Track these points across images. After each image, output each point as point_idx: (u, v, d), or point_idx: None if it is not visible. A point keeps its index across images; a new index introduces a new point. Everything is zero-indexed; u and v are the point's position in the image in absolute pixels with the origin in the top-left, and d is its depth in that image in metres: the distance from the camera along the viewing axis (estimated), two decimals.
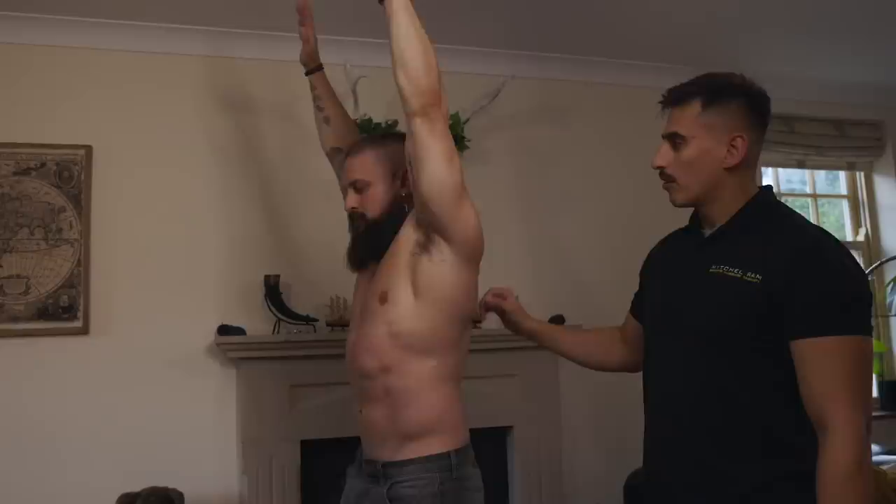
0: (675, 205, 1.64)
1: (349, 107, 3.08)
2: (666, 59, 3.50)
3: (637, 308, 1.87)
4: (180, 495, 2.65)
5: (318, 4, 2.83)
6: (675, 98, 1.63)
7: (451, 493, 1.67)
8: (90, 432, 2.78)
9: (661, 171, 1.63)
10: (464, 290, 1.74)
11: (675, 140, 1.60)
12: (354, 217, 1.85)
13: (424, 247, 1.71)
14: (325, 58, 3.13)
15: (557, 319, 3.26)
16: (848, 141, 3.96)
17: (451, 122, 3.13)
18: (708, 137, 1.56)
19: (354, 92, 2.99)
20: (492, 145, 3.33)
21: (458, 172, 1.65)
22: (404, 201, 1.80)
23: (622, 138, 3.53)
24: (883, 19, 3.16)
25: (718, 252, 1.55)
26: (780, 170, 4.09)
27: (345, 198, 1.98)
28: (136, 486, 2.65)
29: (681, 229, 1.75)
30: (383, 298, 1.75)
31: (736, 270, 1.48)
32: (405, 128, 1.68)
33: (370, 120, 3.03)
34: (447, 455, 1.68)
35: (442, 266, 1.69)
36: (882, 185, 4.15)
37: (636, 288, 1.90)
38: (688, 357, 1.54)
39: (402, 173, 1.80)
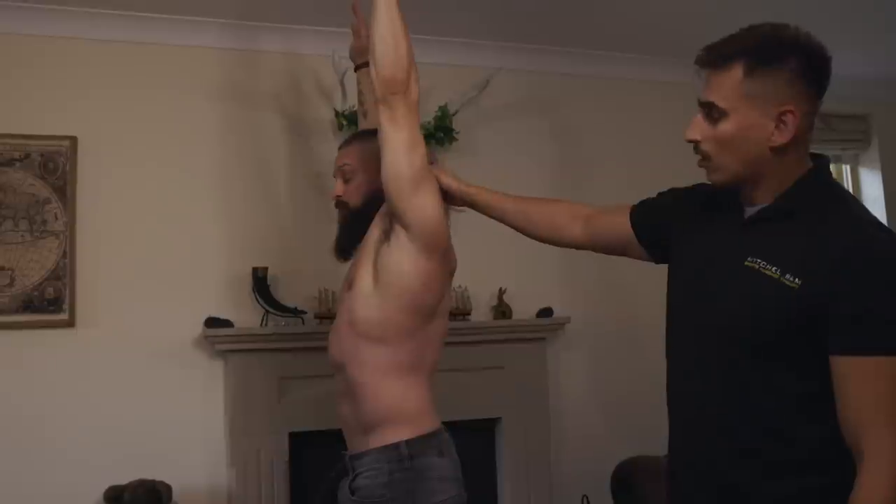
0: (714, 186, 1.42)
1: (336, 98, 3.09)
2: (654, 51, 3.50)
3: (638, 216, 1.66)
4: (168, 488, 2.65)
5: None
6: (712, 59, 1.37)
7: (402, 483, 1.67)
8: (77, 425, 2.77)
9: (695, 146, 1.40)
10: (421, 280, 1.72)
11: (711, 111, 1.36)
12: (338, 204, 1.92)
13: (387, 234, 1.74)
14: (312, 49, 3.14)
15: (546, 312, 3.27)
16: (834, 134, 3.98)
17: (438, 113, 3.16)
18: (751, 111, 1.32)
19: (342, 83, 2.98)
20: (480, 137, 3.33)
21: (419, 160, 1.68)
22: (383, 196, 1.83)
23: (610, 130, 3.53)
24: (869, 13, 3.18)
25: (757, 241, 1.35)
26: None
27: None
28: (124, 479, 2.64)
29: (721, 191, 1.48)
30: (349, 286, 1.81)
31: (774, 269, 1.30)
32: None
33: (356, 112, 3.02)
34: (398, 445, 1.69)
35: (399, 253, 1.71)
36: (867, 178, 4.18)
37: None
38: (710, 354, 1.38)
39: None
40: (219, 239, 2.99)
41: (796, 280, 1.27)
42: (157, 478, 2.67)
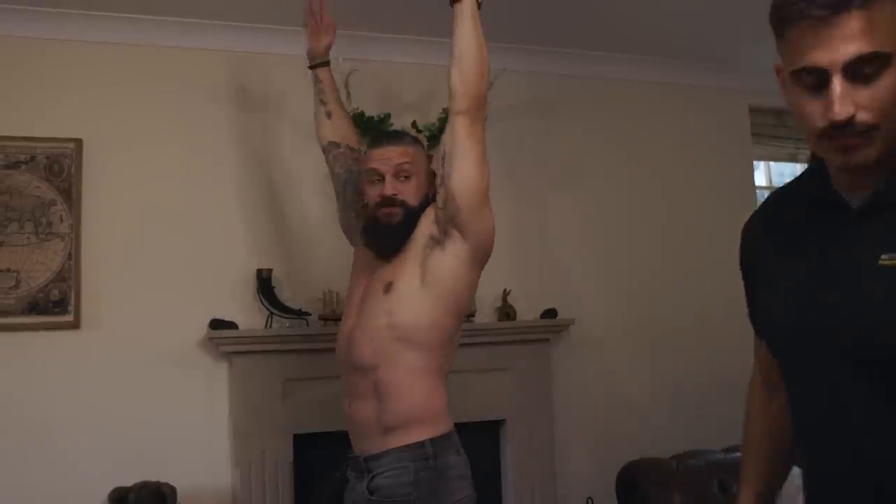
0: (859, 166, 1.02)
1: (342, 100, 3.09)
2: (656, 52, 3.50)
3: (756, 321, 1.29)
4: (173, 489, 2.65)
5: None
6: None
7: (426, 482, 1.69)
8: (82, 427, 2.77)
9: (847, 124, 0.98)
10: (467, 287, 1.83)
11: (860, 67, 0.96)
12: (395, 202, 1.85)
13: (438, 241, 1.78)
14: None
15: (550, 313, 3.27)
16: None
17: (443, 115, 3.15)
18: None
19: (346, 85, 2.98)
20: None
21: (488, 176, 1.76)
22: (428, 202, 1.89)
23: (613, 132, 3.53)
24: None
25: (887, 233, 1.03)
26: (772, 163, 4.10)
27: (340, 191, 2.07)
28: (129, 481, 2.65)
29: (795, 189, 1.20)
30: (388, 288, 1.80)
31: None
32: (400, 125, 1.72)
33: (362, 113, 3.02)
34: (423, 444, 1.71)
35: (454, 260, 1.77)
36: None
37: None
38: (854, 390, 1.04)
39: (432, 175, 1.90)
40: (223, 241, 3.00)
41: None
42: (162, 479, 2.67)
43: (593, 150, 3.51)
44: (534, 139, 3.43)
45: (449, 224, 1.77)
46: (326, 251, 2.90)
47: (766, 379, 1.35)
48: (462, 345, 2.57)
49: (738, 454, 1.40)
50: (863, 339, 1.01)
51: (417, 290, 1.77)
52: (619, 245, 3.48)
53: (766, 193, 4.07)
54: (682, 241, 3.54)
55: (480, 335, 3.13)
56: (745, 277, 1.29)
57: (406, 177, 1.87)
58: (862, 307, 1.02)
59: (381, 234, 1.88)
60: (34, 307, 2.78)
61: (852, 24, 0.94)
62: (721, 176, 3.66)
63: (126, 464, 2.73)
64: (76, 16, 2.88)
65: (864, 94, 0.97)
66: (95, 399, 2.80)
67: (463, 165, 1.72)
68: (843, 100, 0.97)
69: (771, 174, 4.11)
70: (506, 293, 3.24)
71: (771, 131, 3.82)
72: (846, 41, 0.95)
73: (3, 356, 2.74)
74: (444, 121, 3.16)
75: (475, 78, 1.70)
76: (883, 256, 1.01)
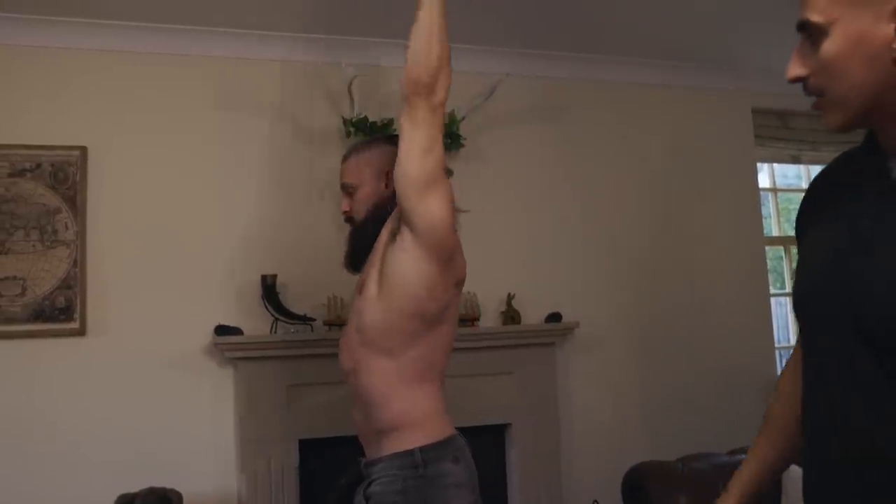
0: (833, 130, 1.06)
1: (345, 106, 3.10)
2: (661, 55, 3.50)
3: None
4: (179, 495, 2.65)
5: (315, 4, 2.84)
6: None
7: (416, 490, 1.67)
8: (88, 433, 2.78)
9: (804, 84, 1.05)
10: (425, 286, 1.70)
11: (810, 34, 1.02)
12: (347, 220, 1.94)
13: (393, 235, 1.73)
14: (320, 56, 3.16)
15: (555, 317, 3.27)
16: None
17: (446, 120, 3.16)
18: (857, 16, 0.98)
19: (350, 91, 2.99)
20: (487, 143, 3.34)
21: (432, 163, 1.65)
22: (389, 201, 1.83)
23: (617, 135, 3.53)
24: None
25: None
26: (776, 165, 4.10)
27: None
28: (135, 487, 2.65)
29: (854, 153, 1.15)
30: (360, 289, 1.81)
31: None
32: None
33: (366, 119, 3.03)
34: (412, 452, 1.69)
35: (403, 255, 1.69)
36: None
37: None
38: (865, 372, 1.01)
39: (384, 174, 1.86)
40: (228, 247, 3.00)
41: None
42: (168, 485, 2.67)
43: (597, 154, 3.51)
44: (537, 143, 3.43)
45: (400, 217, 1.72)
46: (330, 257, 2.89)
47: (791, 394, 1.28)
48: (467, 349, 2.58)
49: (745, 456, 1.38)
50: (886, 326, 0.97)
51: (375, 292, 1.73)
52: (624, 248, 3.48)
53: (770, 195, 4.07)
54: (686, 244, 3.54)
55: (485, 339, 3.13)
56: (798, 243, 1.23)
57: (350, 192, 1.92)
58: (885, 289, 0.98)
59: (347, 249, 1.95)
60: (40, 314, 2.79)
61: None
62: (725, 178, 3.66)
63: (132, 470, 2.74)
64: (80, 24, 2.89)
65: (813, 60, 1.02)
66: (101, 405, 2.80)
67: (400, 153, 1.66)
68: (793, 62, 1.04)
69: (774, 176, 4.10)
70: (510, 297, 3.24)
71: (774, 133, 3.82)
72: (802, 5, 1.02)
73: (9, 363, 2.75)
74: (447, 125, 3.17)
75: (416, 63, 1.64)
76: None
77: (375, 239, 1.83)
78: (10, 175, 2.81)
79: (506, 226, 3.32)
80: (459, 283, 1.82)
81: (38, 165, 2.84)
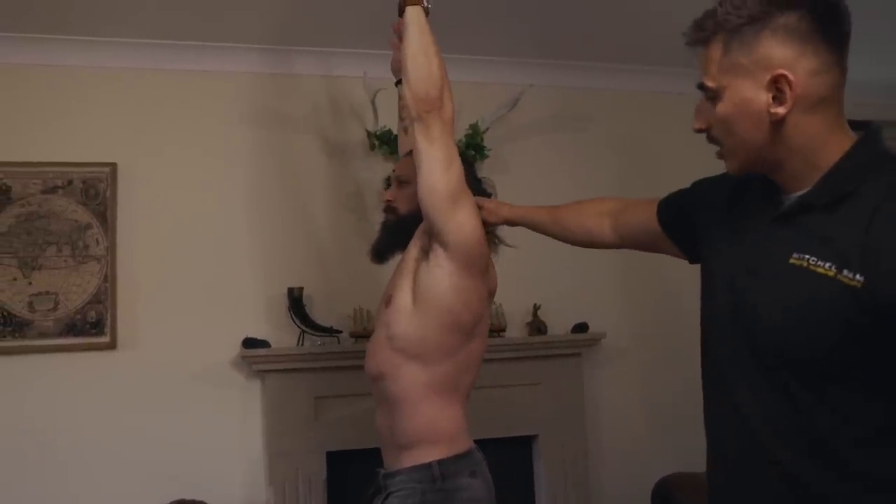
0: (732, 174, 1.24)
1: (368, 118, 3.12)
2: (683, 64, 3.47)
3: (665, 208, 1.50)
4: None
5: (337, 17, 2.87)
6: (695, 37, 1.19)
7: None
8: (118, 445, 2.81)
9: (707, 135, 1.22)
10: (461, 299, 1.72)
11: (707, 95, 1.19)
12: (388, 209, 1.95)
13: (426, 252, 1.74)
14: (343, 70, 3.18)
15: (582, 327, 3.25)
16: None
17: (470, 131, 3.18)
18: (742, 83, 1.13)
19: (374, 104, 3.01)
20: (511, 153, 3.34)
21: (456, 178, 1.67)
22: None
23: (641, 145, 3.51)
24: (881, 17, 3.12)
25: (802, 233, 1.12)
26: None
27: None
28: (164, 499, 2.67)
29: (762, 178, 1.26)
30: (388, 301, 1.81)
31: (828, 265, 1.06)
32: None
33: (389, 131, 3.05)
34: (430, 465, 1.69)
35: (437, 272, 1.71)
36: None
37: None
38: (760, 384, 1.15)
39: None
40: (255, 260, 3.03)
41: (858, 277, 1.02)
42: (197, 497, 2.70)
43: (620, 162, 3.49)
44: (561, 152, 3.43)
45: (430, 234, 1.73)
46: (356, 269, 2.92)
47: (615, 212, 1.71)
48: (493, 360, 2.57)
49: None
50: (768, 338, 1.13)
51: (410, 306, 1.74)
52: (648, 257, 3.44)
53: None
54: None
55: (511, 350, 3.12)
56: (691, 214, 1.40)
57: (401, 184, 1.92)
58: (769, 306, 1.13)
59: (377, 239, 1.95)
60: (72, 328, 2.83)
61: (701, 56, 1.19)
62: None
63: (161, 482, 2.76)
64: (111, 44, 2.95)
65: (712, 115, 1.18)
66: (131, 418, 2.84)
67: (423, 172, 1.66)
68: (697, 115, 1.22)
69: None
70: (536, 308, 3.23)
71: None
72: (700, 70, 1.20)
73: (42, 377, 2.79)
74: (470, 136, 3.18)
75: (420, 81, 1.65)
76: (795, 256, 1.11)
77: (408, 238, 1.84)
78: (43, 192, 2.87)
79: (531, 236, 3.29)
80: (491, 293, 1.85)
81: (70, 182, 2.90)
